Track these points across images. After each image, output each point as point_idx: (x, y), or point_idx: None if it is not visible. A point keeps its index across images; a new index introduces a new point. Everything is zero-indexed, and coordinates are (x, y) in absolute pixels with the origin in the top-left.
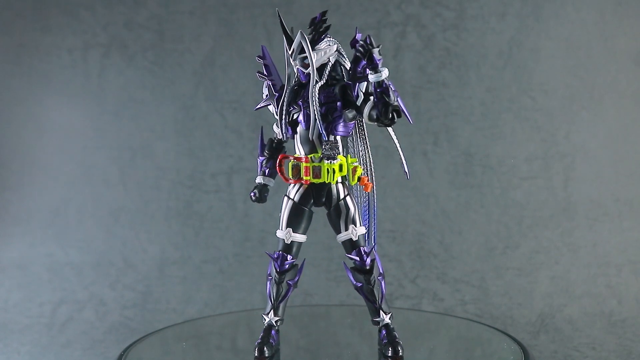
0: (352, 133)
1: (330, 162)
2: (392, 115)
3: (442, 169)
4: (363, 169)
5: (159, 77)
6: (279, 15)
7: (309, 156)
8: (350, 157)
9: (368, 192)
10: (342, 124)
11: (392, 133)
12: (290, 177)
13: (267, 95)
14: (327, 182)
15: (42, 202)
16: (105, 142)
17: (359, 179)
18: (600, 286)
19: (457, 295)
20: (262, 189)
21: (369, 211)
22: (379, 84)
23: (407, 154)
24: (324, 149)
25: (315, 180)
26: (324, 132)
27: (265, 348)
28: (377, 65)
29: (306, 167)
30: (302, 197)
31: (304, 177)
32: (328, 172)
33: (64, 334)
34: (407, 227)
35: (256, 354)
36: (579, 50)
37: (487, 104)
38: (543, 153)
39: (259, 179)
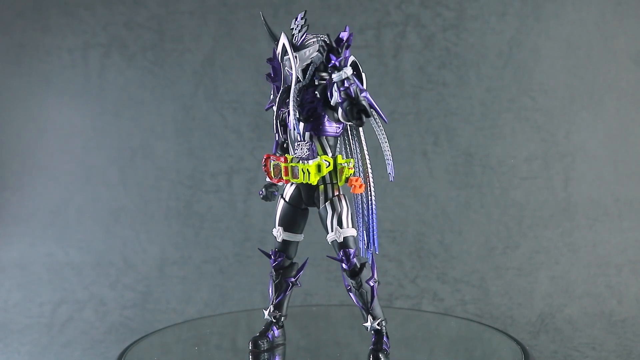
0: (341, 133)
1: (305, 162)
2: (359, 115)
3: (442, 169)
4: (356, 170)
5: (159, 77)
6: (264, 19)
7: (288, 157)
8: (343, 158)
9: (366, 193)
10: (328, 124)
11: (380, 133)
12: (273, 176)
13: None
14: (304, 182)
15: (42, 202)
16: (105, 142)
17: (347, 179)
18: (600, 286)
19: (457, 295)
20: (270, 187)
21: (368, 213)
22: (341, 83)
23: (407, 154)
24: (296, 149)
25: (295, 181)
26: (300, 133)
27: (259, 341)
28: (336, 65)
29: (285, 167)
30: (292, 196)
31: (284, 177)
32: (303, 172)
33: (64, 334)
34: (407, 227)
35: (250, 347)
36: (579, 50)
37: (487, 104)
38: (543, 153)
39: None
